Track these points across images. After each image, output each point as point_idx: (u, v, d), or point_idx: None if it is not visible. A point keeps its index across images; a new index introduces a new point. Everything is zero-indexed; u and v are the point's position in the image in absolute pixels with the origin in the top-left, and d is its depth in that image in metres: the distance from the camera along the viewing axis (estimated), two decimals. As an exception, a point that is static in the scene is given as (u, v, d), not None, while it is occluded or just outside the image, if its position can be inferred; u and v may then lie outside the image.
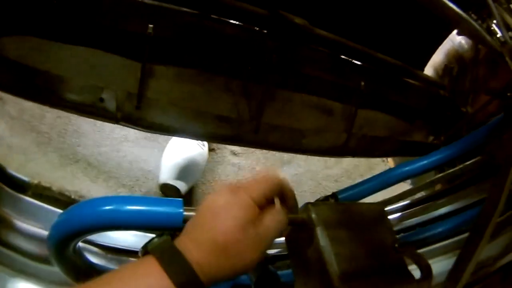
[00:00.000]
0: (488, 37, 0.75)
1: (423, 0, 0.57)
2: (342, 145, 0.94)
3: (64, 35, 0.65)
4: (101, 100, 0.72)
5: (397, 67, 1.03)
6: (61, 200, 0.94)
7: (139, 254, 0.44)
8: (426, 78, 1.15)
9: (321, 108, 0.90)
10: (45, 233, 0.80)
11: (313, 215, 0.51)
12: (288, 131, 0.87)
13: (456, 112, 1.18)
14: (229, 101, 0.78)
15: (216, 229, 0.41)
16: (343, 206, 0.58)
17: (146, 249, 0.41)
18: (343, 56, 0.88)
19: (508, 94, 0.87)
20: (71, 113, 0.74)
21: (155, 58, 0.72)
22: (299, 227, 0.52)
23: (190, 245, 0.41)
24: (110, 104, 0.72)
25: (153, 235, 0.44)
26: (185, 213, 0.49)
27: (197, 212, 0.45)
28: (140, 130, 0.76)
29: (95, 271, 0.67)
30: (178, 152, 1.43)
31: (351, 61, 0.89)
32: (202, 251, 0.40)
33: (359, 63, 0.90)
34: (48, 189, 0.92)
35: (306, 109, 0.88)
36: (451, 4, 0.61)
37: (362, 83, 0.90)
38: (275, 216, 0.45)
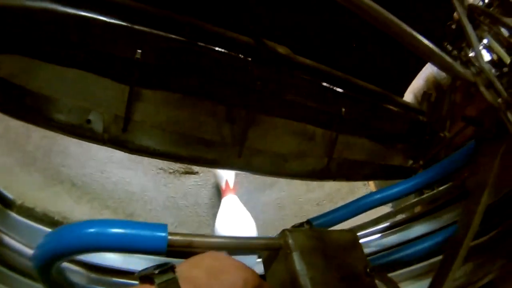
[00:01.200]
0: (460, 69, 0.78)
1: (393, 33, 0.60)
2: (323, 169, 0.97)
3: (53, 56, 0.66)
4: (88, 121, 0.73)
5: (378, 93, 1.06)
6: (45, 220, 0.95)
7: (137, 276, 0.46)
8: (406, 104, 1.19)
9: (303, 133, 0.92)
10: (29, 250, 0.81)
11: (290, 241, 0.53)
12: (270, 156, 0.89)
13: (435, 137, 1.22)
14: (213, 126, 0.81)
15: None
16: (318, 232, 0.61)
17: (151, 279, 0.44)
18: (324, 83, 0.91)
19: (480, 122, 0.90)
20: (58, 133, 0.74)
21: (142, 82, 0.73)
22: (276, 252, 0.54)
23: None
24: (97, 125, 0.73)
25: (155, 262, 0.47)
26: (169, 237, 0.51)
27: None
28: (127, 152, 0.78)
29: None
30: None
31: (332, 88, 0.92)
32: None
33: (340, 90, 0.93)
34: (32, 210, 0.92)
35: (288, 134, 0.90)
36: (421, 38, 0.64)
37: (343, 109, 0.93)
38: None
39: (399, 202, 1.18)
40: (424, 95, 1.28)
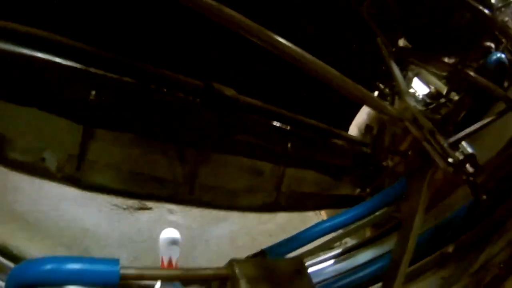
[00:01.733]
0: (388, 107, 0.86)
1: (327, 81, 0.67)
2: (273, 202, 1.02)
3: (9, 95, 0.69)
4: (43, 160, 0.74)
5: (323, 129, 1.14)
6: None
7: None
8: (350, 137, 1.28)
9: (252, 169, 0.98)
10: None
11: (237, 270, 0.57)
12: (222, 191, 0.94)
13: (378, 167, 1.31)
14: (165, 164, 0.84)
15: None
16: (265, 262, 0.66)
17: None
18: (271, 121, 0.97)
19: (409, 153, 0.99)
20: (12, 170, 0.74)
21: (96, 122, 0.77)
22: (224, 281, 0.58)
23: None
24: (52, 164, 0.75)
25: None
26: (121, 271, 0.54)
27: None
28: (81, 190, 0.79)
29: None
30: None
31: (278, 126, 0.98)
32: None
33: (286, 127, 1.00)
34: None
35: (239, 170, 0.95)
36: (348, 80, 0.71)
37: (289, 145, 0.99)
38: None
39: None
40: (367, 128, 1.38)
